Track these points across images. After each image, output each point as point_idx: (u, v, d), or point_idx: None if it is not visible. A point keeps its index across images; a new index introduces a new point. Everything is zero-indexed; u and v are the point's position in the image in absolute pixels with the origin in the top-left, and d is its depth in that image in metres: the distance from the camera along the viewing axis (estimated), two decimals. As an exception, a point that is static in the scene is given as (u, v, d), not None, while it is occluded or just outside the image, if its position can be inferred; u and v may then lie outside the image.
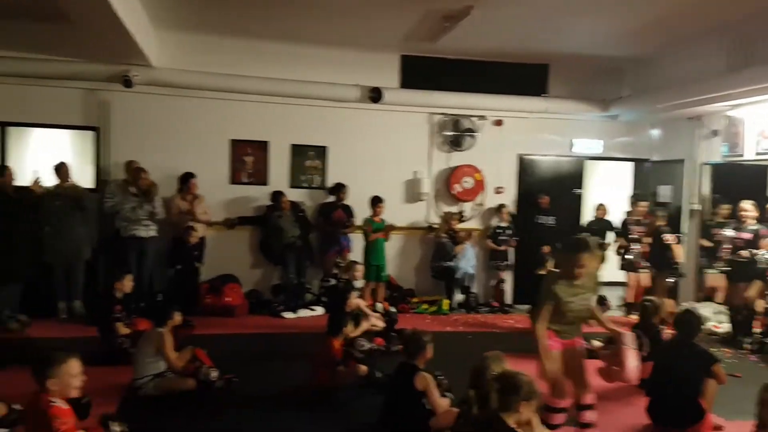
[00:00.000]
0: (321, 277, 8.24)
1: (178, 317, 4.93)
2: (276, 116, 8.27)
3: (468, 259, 8.40)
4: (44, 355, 3.23)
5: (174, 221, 7.60)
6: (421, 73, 8.54)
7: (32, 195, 6.62)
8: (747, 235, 6.75)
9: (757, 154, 7.52)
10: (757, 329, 6.71)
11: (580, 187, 9.32)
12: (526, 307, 8.02)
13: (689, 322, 4.45)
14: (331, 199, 8.31)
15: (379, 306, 7.67)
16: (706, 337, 6.81)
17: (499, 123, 8.92)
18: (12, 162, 7.33)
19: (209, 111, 8.07)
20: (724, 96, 6.87)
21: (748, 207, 6.84)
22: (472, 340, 6.87)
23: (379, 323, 6.58)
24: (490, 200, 8.98)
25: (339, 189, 8.22)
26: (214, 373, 4.73)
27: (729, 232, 6.99)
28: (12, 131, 7.70)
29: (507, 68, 8.72)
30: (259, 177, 8.33)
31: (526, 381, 2.97)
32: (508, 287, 8.90)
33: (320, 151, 8.49)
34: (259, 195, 8.26)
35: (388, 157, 8.61)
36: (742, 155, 7.76)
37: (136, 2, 6.30)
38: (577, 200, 9.30)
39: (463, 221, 8.75)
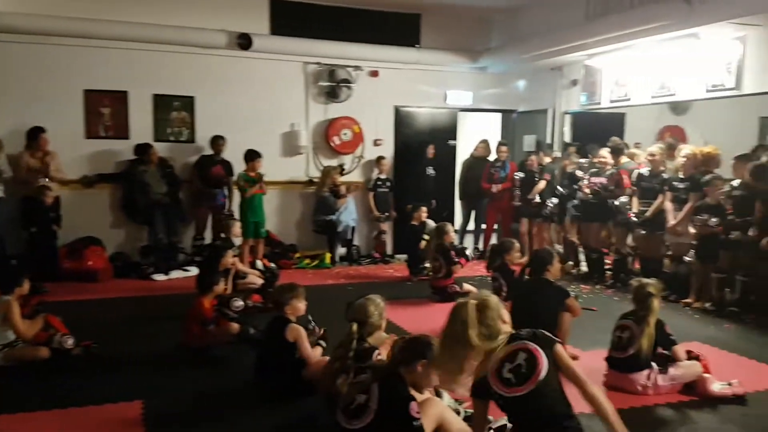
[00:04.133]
0: (193, 236, 7.90)
1: (26, 284, 4.56)
2: (135, 64, 7.65)
3: (350, 212, 8.38)
4: None
5: (23, 180, 6.91)
6: (293, 20, 8.20)
7: None
8: (603, 180, 7.19)
9: (612, 102, 8.04)
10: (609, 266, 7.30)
11: (454, 138, 9.51)
12: (404, 256, 8.16)
13: (542, 258, 4.67)
14: (209, 152, 7.89)
15: (259, 263, 7.48)
16: (565, 276, 7.24)
17: (375, 74, 8.82)
18: None
19: (59, 59, 7.36)
20: (581, 45, 7.19)
21: (604, 154, 7.28)
22: (353, 291, 6.88)
23: (258, 280, 6.45)
24: (370, 152, 8.95)
25: (216, 141, 7.80)
26: (69, 341, 4.41)
27: (586, 177, 7.40)
28: None
29: (380, 17, 8.60)
30: (119, 130, 7.72)
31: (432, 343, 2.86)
32: (388, 238, 9.01)
33: (187, 102, 8.00)
34: (119, 150, 7.68)
35: (262, 108, 8.28)
36: (599, 103, 8.25)
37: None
38: (452, 151, 9.51)
39: (344, 174, 8.69)
